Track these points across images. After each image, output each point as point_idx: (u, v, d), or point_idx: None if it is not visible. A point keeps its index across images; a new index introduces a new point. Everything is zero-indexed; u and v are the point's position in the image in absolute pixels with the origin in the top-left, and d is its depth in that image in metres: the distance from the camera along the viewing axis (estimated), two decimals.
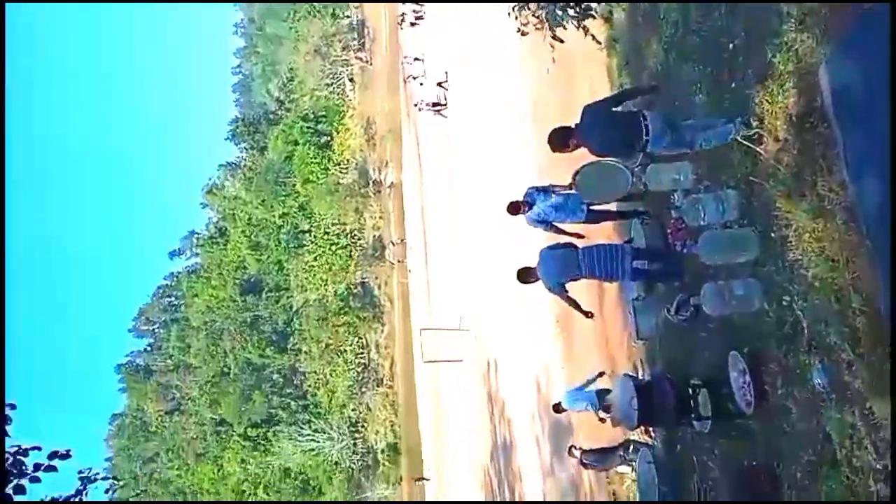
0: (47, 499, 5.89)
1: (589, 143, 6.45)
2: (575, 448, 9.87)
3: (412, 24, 11.75)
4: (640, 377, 8.81)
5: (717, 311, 6.14)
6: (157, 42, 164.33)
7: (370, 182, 41.45)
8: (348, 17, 46.76)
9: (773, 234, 5.57)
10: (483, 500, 20.77)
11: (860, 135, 4.58)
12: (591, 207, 8.12)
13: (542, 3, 8.73)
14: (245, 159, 51.77)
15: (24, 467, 5.19)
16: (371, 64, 43.59)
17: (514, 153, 17.05)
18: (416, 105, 29.47)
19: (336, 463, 39.24)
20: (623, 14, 9.73)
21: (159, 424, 50.01)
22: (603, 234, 9.25)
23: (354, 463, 38.78)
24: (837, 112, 4.79)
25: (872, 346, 4.38)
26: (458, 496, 25.36)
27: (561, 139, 6.52)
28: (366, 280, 40.83)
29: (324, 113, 44.26)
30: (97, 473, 6.38)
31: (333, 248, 40.70)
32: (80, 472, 6.44)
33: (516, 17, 9.02)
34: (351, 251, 40.64)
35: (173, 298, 55.01)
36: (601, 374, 9.48)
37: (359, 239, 41.03)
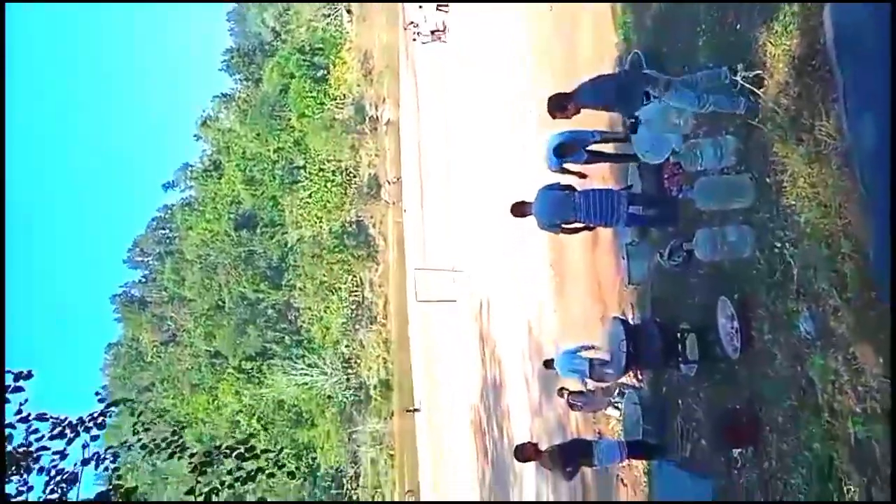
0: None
1: (589, 104, 6.55)
2: (564, 389, 10.04)
3: None
4: (631, 321, 8.90)
5: (710, 256, 6.16)
6: None
7: (366, 118, 40.94)
8: None
9: (768, 180, 5.55)
10: (479, 500, 21.11)
11: (861, 79, 4.52)
12: (588, 149, 8.05)
13: None
14: (239, 91, 50.94)
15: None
16: None
17: (514, 89, 16.80)
18: (414, 37, 28.81)
19: (329, 397, 39.99)
20: None
21: (154, 355, 50.68)
22: (599, 178, 9.19)
23: (347, 397, 39.53)
24: (839, 55, 4.71)
25: (859, 292, 4.43)
26: (447, 432, 25.96)
27: (558, 105, 6.55)
28: (361, 218, 40.79)
29: (320, 45, 43.37)
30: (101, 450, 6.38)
31: (328, 184, 40.49)
32: (97, 392, 6.38)
33: None
34: (346, 188, 40.46)
35: (167, 231, 54.94)
36: (594, 347, 9.53)
37: (354, 176, 40.78)
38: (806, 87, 5.09)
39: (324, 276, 40.73)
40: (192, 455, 6.66)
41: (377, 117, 40.39)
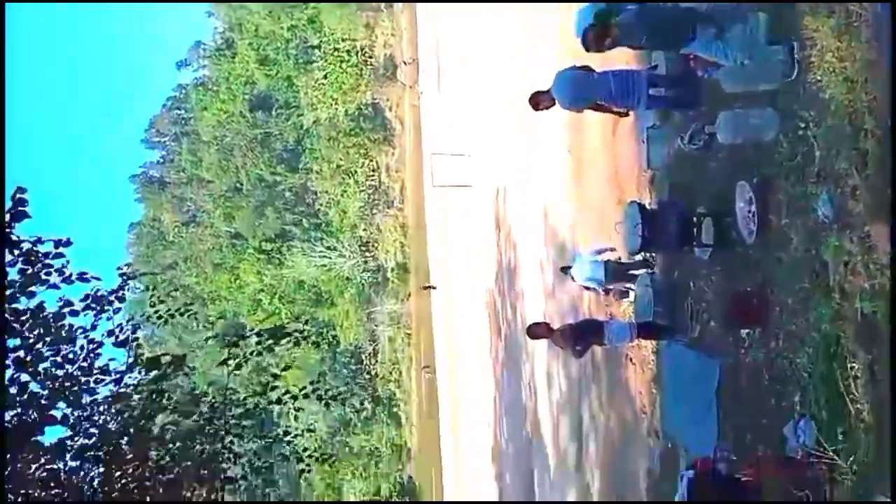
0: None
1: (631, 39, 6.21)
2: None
3: None
4: (648, 205, 8.90)
5: (732, 139, 6.08)
6: None
7: None
8: None
9: (795, 56, 5.37)
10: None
11: None
12: None
13: None
14: None
15: (38, 257, 5.37)
16: None
17: None
18: None
19: (347, 278, 40.87)
20: None
21: (176, 234, 51.62)
22: (623, 59, 8.91)
23: (365, 279, 40.38)
24: None
25: (878, 169, 4.40)
26: (462, 313, 26.67)
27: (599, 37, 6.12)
28: (377, 101, 40.07)
29: None
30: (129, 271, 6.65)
31: (344, 65, 39.50)
32: (119, 267, 6.72)
33: None
34: (361, 69, 39.49)
35: (183, 111, 54.40)
36: (612, 249, 9.53)
37: (370, 57, 39.70)
38: None
39: (340, 159, 40.55)
40: (211, 325, 6.99)
41: None
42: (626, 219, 8.18)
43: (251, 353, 6.95)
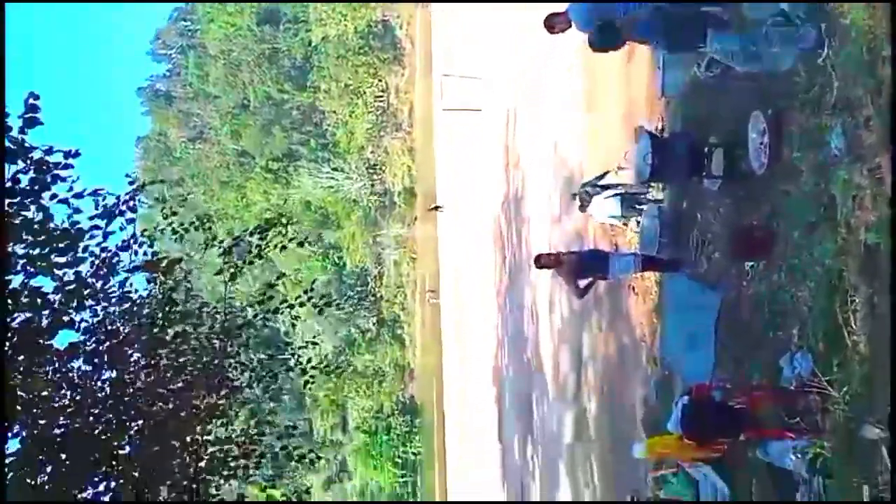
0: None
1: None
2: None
3: None
4: (660, 134, 8.78)
5: (749, 67, 5.93)
6: None
7: None
8: None
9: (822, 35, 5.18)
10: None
11: None
12: None
13: None
14: None
15: (49, 166, 5.34)
16: None
17: None
18: None
19: (354, 200, 40.79)
20: None
21: (183, 150, 51.26)
22: None
23: (372, 202, 40.32)
24: None
25: (893, 98, 4.30)
26: (468, 236, 26.76)
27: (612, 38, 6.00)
28: (387, 18, 38.99)
29: None
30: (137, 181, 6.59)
31: None
32: (127, 174, 6.66)
33: None
34: None
35: (189, 23, 53.09)
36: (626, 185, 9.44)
37: None
38: None
39: (349, 78, 39.77)
40: (220, 241, 6.99)
41: None
42: (638, 149, 8.09)
43: (244, 262, 6.98)
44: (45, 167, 5.33)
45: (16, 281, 5.25)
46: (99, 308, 6.06)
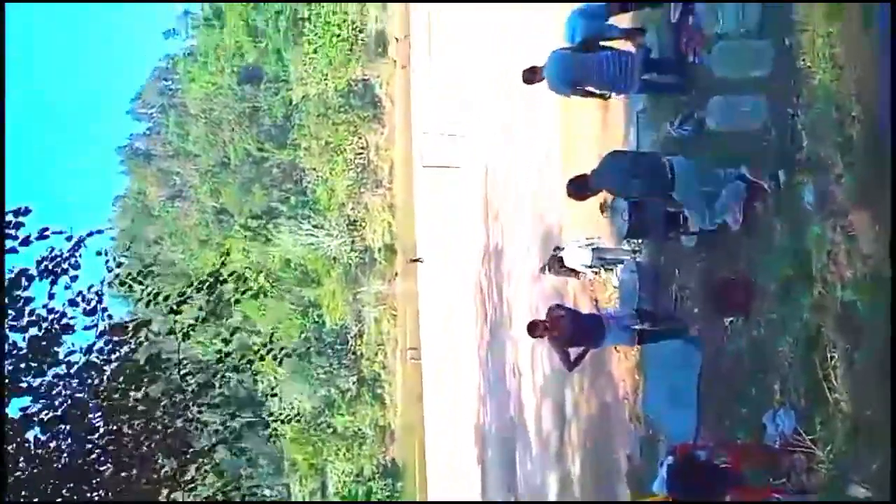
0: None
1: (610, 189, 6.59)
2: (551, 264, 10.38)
3: None
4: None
5: (722, 125, 6.02)
6: None
7: None
8: None
9: (787, 41, 5.32)
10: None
11: None
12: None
13: None
14: None
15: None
16: None
17: None
18: None
19: (334, 258, 40.68)
20: None
21: (162, 209, 51.14)
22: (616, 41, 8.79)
23: (352, 259, 40.23)
24: None
25: (862, 156, 4.39)
26: (449, 292, 26.64)
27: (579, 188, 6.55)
28: (367, 77, 39.67)
29: None
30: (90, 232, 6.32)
31: (334, 39, 39.01)
32: (62, 231, 6.23)
33: None
34: (352, 44, 39.04)
35: (170, 82, 53.66)
36: (598, 238, 9.59)
37: (361, 31, 39.24)
38: None
39: (329, 136, 40.18)
40: (165, 298, 6.62)
41: None
42: (614, 205, 8.13)
43: (197, 320, 6.70)
44: None
45: None
46: (50, 374, 5.81)
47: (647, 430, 8.73)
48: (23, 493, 5.46)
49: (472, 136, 22.54)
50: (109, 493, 5.81)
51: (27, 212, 5.41)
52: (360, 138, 39.87)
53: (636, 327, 7.68)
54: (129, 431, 6.18)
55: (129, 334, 6.06)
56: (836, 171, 4.59)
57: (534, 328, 7.68)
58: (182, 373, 6.67)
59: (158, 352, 6.54)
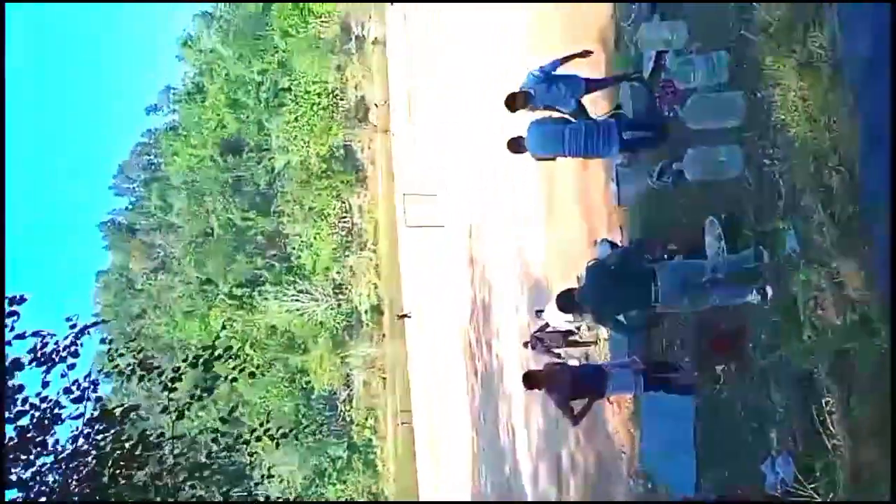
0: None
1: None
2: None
3: None
4: (619, 243, 8.94)
5: (699, 175, 6.13)
6: None
7: (353, 37, 39.84)
8: None
9: (759, 94, 5.47)
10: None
11: None
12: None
13: None
14: (221, 9, 49.28)
15: None
16: None
17: (506, 10, 16.33)
18: None
19: (321, 323, 40.37)
20: None
21: (145, 282, 50.78)
22: (589, 100, 9.01)
23: (339, 323, 39.94)
24: None
25: (843, 206, 4.46)
26: (438, 351, 26.43)
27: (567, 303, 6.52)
28: (348, 143, 40.24)
29: None
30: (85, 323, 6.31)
31: (315, 107, 39.70)
32: (69, 318, 6.33)
33: None
34: (333, 112, 39.72)
35: (152, 156, 54.09)
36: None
37: (341, 99, 40.00)
38: None
39: (312, 201, 40.46)
40: (161, 373, 6.56)
41: (363, 36, 39.31)
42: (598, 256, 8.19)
43: (192, 398, 6.60)
44: None
45: None
46: (39, 462, 5.65)
47: (646, 485, 8.59)
48: None
49: (454, 195, 22.78)
50: None
51: (22, 300, 5.32)
52: (343, 202, 40.19)
53: (640, 368, 7.43)
54: None
55: (118, 421, 5.93)
56: (818, 219, 4.65)
57: (530, 379, 7.51)
58: (175, 453, 6.52)
59: (149, 433, 6.39)
